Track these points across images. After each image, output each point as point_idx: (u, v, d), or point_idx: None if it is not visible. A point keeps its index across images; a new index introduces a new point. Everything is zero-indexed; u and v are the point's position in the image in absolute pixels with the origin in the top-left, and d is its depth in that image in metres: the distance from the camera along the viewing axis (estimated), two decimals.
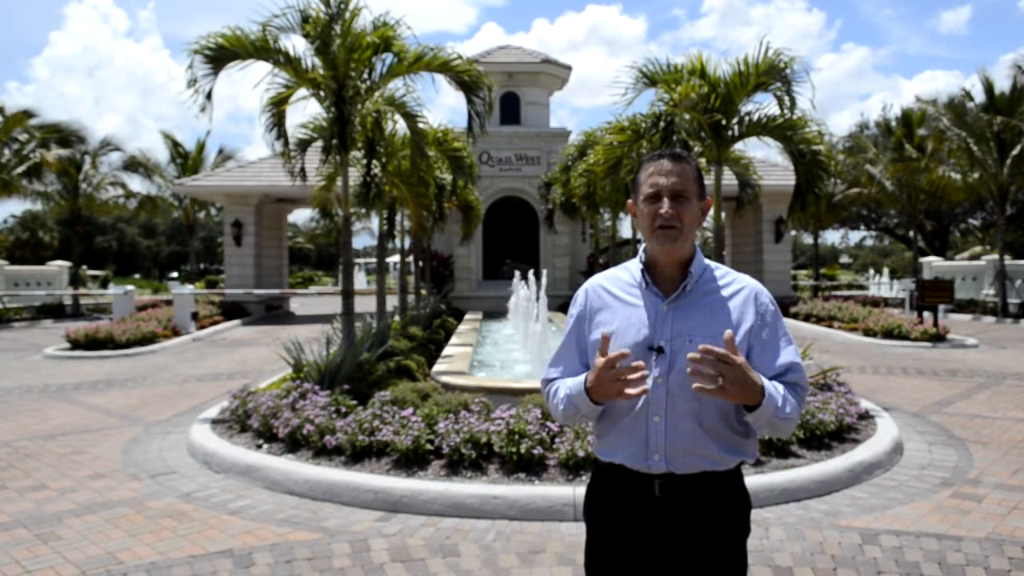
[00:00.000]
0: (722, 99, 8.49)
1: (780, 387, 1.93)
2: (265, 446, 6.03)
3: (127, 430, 7.27)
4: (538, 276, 11.69)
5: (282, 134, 8.89)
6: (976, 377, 10.23)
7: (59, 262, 27.03)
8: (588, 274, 20.03)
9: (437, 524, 4.56)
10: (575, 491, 4.73)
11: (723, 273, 2.06)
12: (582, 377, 1.98)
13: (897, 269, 43.51)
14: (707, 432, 1.94)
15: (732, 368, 1.78)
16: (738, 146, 10.06)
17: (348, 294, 8.60)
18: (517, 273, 12.60)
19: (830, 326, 16.74)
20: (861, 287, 36.93)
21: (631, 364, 1.83)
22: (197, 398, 8.95)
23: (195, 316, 16.99)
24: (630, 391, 1.81)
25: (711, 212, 9.17)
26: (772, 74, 8.32)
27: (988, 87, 20.68)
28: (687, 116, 9.01)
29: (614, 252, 17.54)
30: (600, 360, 1.85)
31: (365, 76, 8.40)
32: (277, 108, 8.59)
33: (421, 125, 9.37)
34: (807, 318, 18.10)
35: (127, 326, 14.49)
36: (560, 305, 18.19)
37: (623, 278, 2.09)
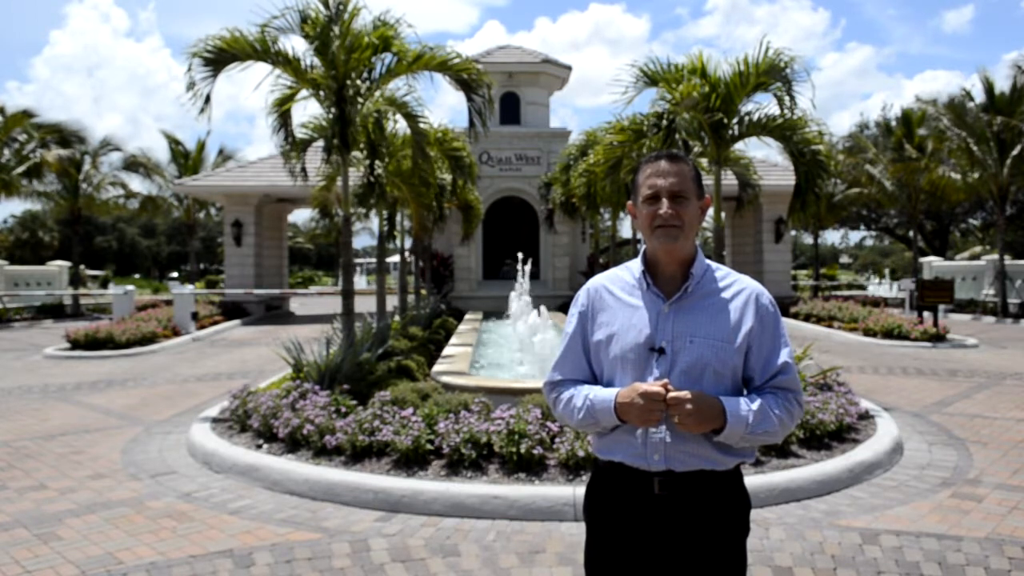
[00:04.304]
0: (722, 99, 8.48)
1: (756, 402, 1.93)
2: (265, 446, 6.03)
3: (127, 430, 7.27)
4: (537, 276, 11.71)
5: (289, 135, 8.91)
6: (976, 377, 10.23)
7: (59, 262, 27.03)
8: (588, 274, 20.04)
9: (437, 524, 4.56)
10: (575, 491, 4.73)
11: (724, 274, 2.06)
12: (610, 393, 1.97)
13: (897, 269, 43.51)
14: (705, 433, 1.94)
15: (679, 407, 1.86)
16: (738, 146, 10.06)
17: (348, 294, 8.60)
18: (520, 269, 12.58)
19: (830, 326, 16.74)
20: (861, 287, 36.96)
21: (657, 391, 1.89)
22: (197, 398, 8.95)
23: (195, 316, 16.99)
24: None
25: (711, 212, 9.17)
26: (772, 74, 8.32)
27: (988, 87, 20.68)
28: (687, 116, 9.00)
29: (614, 252, 17.54)
30: (651, 390, 1.88)
31: (365, 76, 8.40)
32: (281, 109, 8.60)
33: (422, 125, 9.36)
34: (807, 318, 18.10)
35: (127, 326, 14.49)
36: (560, 305, 18.19)
37: (624, 279, 2.09)
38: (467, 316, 16.73)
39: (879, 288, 33.05)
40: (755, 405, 1.92)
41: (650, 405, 1.87)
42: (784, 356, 2.00)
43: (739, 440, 1.93)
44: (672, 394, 1.86)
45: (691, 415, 1.85)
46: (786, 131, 8.71)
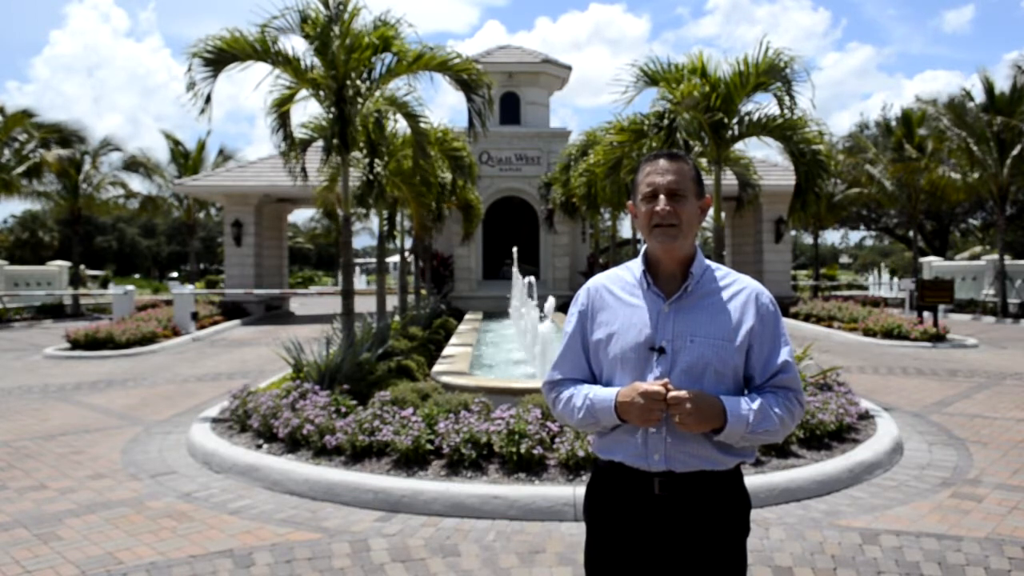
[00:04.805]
0: (723, 99, 8.48)
1: (756, 401, 1.93)
2: (265, 446, 6.03)
3: (127, 430, 7.27)
4: (537, 276, 11.67)
5: (288, 135, 8.91)
6: (976, 377, 10.22)
7: (59, 262, 27.03)
8: (588, 274, 20.05)
9: (437, 524, 4.56)
10: (575, 491, 4.73)
11: (724, 274, 2.07)
12: (610, 393, 1.96)
13: (897, 269, 43.53)
14: (706, 433, 1.94)
15: (679, 406, 1.86)
16: (738, 146, 10.06)
17: (348, 294, 8.60)
18: (515, 272, 12.55)
19: (830, 326, 16.74)
20: (861, 287, 36.96)
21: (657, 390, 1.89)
22: (197, 398, 8.95)
23: (195, 316, 16.99)
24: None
25: (711, 212, 9.15)
26: (772, 74, 8.32)
27: (988, 87, 20.68)
28: (687, 115, 9.00)
29: (614, 252, 17.55)
30: (651, 389, 1.88)
31: (365, 76, 8.40)
32: (281, 109, 8.60)
33: (423, 125, 9.36)
34: (807, 318, 18.10)
35: (127, 326, 14.49)
36: (560, 305, 18.19)
37: (625, 278, 2.10)
38: (467, 316, 16.74)
39: (881, 286, 33.03)
40: (755, 404, 1.92)
41: (650, 404, 1.87)
42: (784, 355, 2.00)
43: (739, 440, 1.93)
44: (672, 393, 1.86)
45: (691, 414, 1.85)
46: (786, 131, 8.71)
